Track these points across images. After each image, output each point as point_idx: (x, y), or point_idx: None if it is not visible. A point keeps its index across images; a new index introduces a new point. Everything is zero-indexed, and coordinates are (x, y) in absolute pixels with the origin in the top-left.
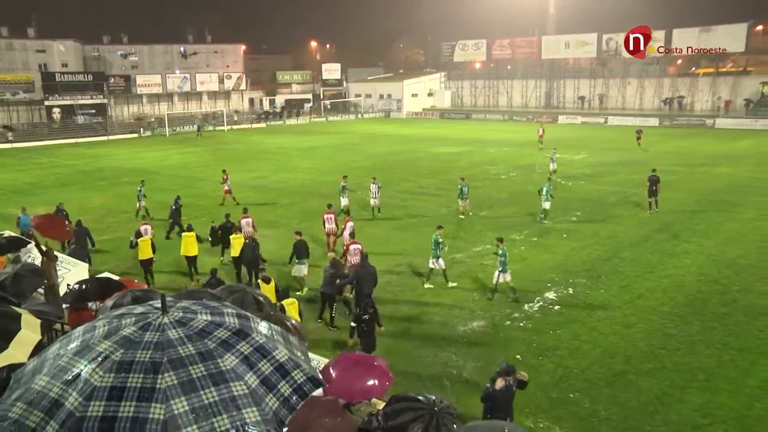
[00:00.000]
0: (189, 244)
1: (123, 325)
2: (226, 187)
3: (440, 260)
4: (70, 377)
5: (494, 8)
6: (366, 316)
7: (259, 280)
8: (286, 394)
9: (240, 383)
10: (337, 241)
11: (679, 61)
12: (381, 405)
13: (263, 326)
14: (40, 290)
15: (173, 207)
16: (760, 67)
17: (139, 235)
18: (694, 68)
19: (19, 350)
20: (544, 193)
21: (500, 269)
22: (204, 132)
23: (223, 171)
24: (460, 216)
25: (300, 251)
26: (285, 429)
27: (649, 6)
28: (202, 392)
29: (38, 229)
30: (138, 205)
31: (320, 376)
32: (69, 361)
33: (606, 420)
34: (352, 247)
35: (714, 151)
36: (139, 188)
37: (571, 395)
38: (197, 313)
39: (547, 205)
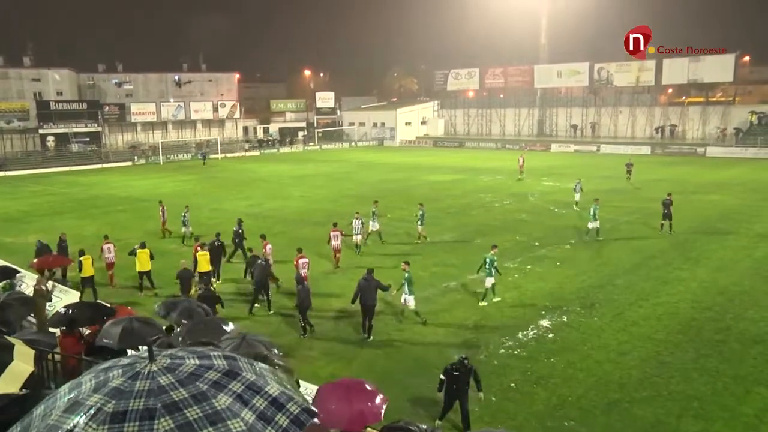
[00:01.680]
0: (143, 261)
1: (111, 378)
2: (162, 220)
3: (492, 279)
4: None
5: (487, 38)
6: (456, 372)
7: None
8: (284, 426)
9: (237, 420)
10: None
11: (670, 91)
12: None
13: (251, 365)
14: (31, 319)
15: (236, 230)
16: (747, 96)
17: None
18: (684, 97)
19: (10, 383)
20: (591, 213)
21: (406, 292)
22: (208, 160)
23: (159, 202)
24: (416, 241)
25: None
26: None
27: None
28: None
29: (41, 265)
30: (183, 230)
31: (313, 407)
32: (59, 419)
33: None
34: (300, 261)
35: (705, 179)
36: (183, 214)
37: (566, 423)
38: (185, 359)
39: (592, 225)
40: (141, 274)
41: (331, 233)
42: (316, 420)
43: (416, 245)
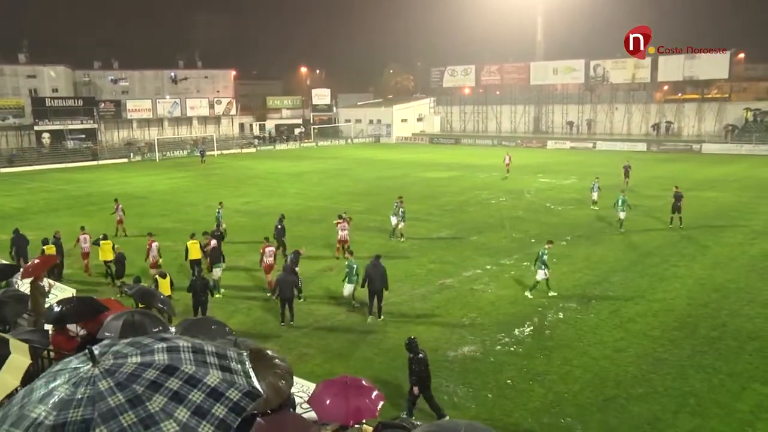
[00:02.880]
0: (106, 251)
1: (57, 385)
2: (118, 217)
3: (543, 272)
4: None
5: (483, 35)
6: (413, 355)
7: (157, 276)
8: (221, 416)
9: (170, 421)
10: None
11: (666, 87)
12: (370, 430)
13: (193, 353)
14: (26, 317)
15: (278, 226)
16: (742, 93)
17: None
18: (680, 94)
19: (11, 375)
20: (620, 204)
21: (347, 280)
22: (206, 157)
23: (115, 200)
24: (391, 238)
25: (215, 257)
26: None
27: None
28: None
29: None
30: (223, 227)
31: (259, 387)
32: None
33: None
34: (267, 249)
35: (701, 175)
36: (218, 210)
37: (563, 420)
38: (127, 356)
39: (622, 215)
40: (106, 263)
41: (339, 225)
42: (314, 415)
43: (411, 242)
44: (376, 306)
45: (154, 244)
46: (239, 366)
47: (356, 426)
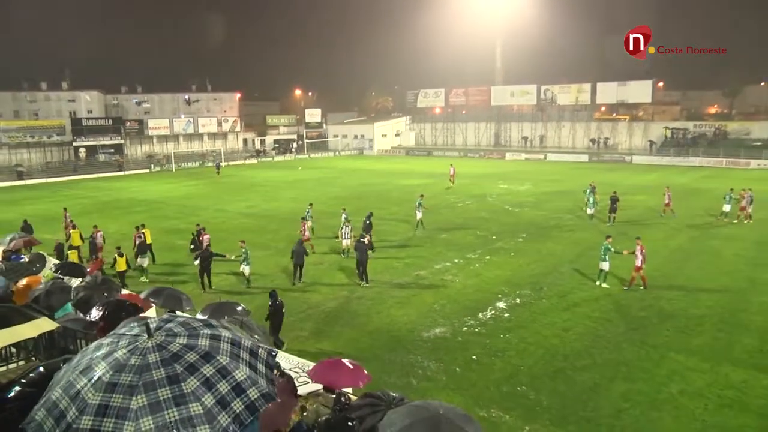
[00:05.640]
0: (75, 239)
1: (118, 347)
2: (65, 223)
3: (607, 263)
4: (73, 392)
5: (451, 62)
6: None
7: (116, 255)
8: (238, 411)
9: (197, 404)
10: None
11: (603, 108)
12: (355, 398)
13: (231, 345)
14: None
15: (366, 222)
16: (662, 114)
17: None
18: (614, 114)
19: (31, 329)
20: (590, 200)
21: (243, 263)
22: (210, 168)
23: (64, 209)
24: (417, 229)
25: (141, 249)
26: None
27: (578, 64)
28: (165, 412)
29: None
30: (310, 224)
31: (275, 393)
32: (76, 377)
33: (548, 408)
34: (204, 237)
35: (632, 182)
36: (307, 210)
37: (519, 389)
38: (176, 336)
39: (590, 210)
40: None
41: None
42: (277, 399)
43: (391, 240)
44: (363, 272)
45: (99, 233)
46: (264, 368)
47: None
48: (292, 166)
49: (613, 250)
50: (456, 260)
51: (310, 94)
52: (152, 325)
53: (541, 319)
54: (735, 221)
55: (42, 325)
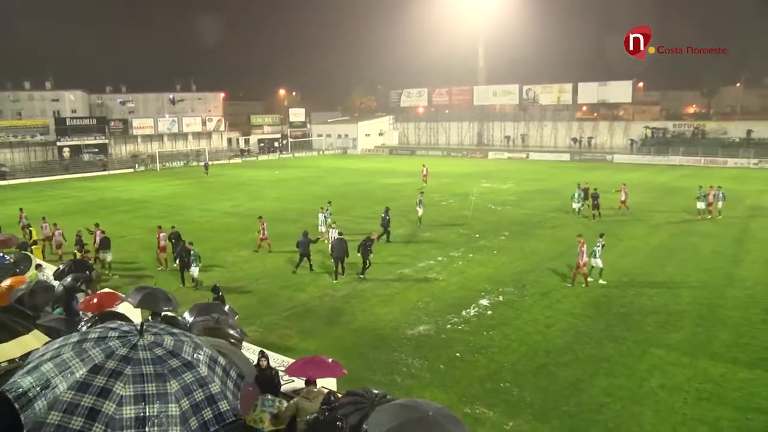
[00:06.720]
0: (36, 235)
1: (111, 336)
2: (21, 223)
3: (598, 260)
4: (65, 369)
5: (434, 62)
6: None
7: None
8: (207, 419)
9: (175, 405)
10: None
11: (584, 108)
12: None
13: (210, 360)
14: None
15: (385, 218)
16: (642, 114)
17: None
18: (595, 114)
19: (16, 349)
20: (576, 197)
21: (193, 264)
22: (195, 167)
23: (20, 209)
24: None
25: (103, 245)
26: None
27: (559, 64)
28: (147, 406)
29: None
30: (324, 225)
31: (241, 411)
32: (70, 357)
33: (531, 404)
34: (161, 234)
35: (613, 180)
36: (327, 209)
37: (502, 385)
38: (164, 340)
39: (576, 205)
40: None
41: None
42: (235, 416)
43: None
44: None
45: (57, 231)
46: (233, 386)
47: (322, 389)
48: (276, 166)
49: (600, 247)
50: (439, 258)
51: (294, 94)
52: (144, 326)
53: (524, 316)
54: (709, 216)
55: (29, 342)
